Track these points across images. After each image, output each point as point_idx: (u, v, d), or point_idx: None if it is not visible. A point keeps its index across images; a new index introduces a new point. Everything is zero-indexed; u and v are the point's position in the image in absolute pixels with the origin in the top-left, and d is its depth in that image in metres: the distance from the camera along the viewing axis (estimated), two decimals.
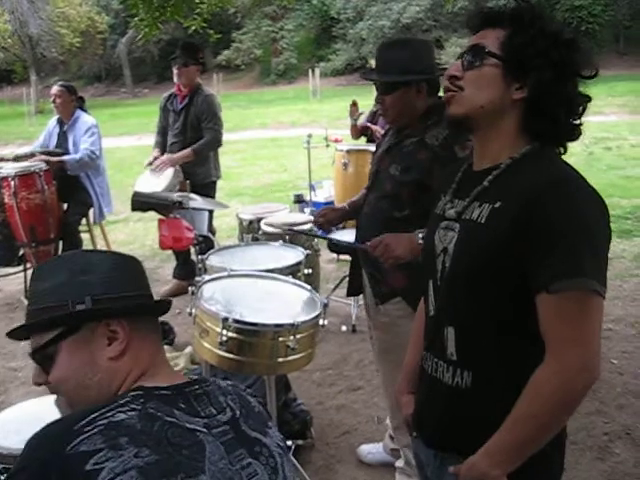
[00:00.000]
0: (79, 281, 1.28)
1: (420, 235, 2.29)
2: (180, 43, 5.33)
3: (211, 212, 5.21)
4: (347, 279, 4.90)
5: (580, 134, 1.52)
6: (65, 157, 5.40)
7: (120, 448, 1.08)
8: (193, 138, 5.19)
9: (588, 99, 1.50)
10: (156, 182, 4.92)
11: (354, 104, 5.63)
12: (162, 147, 5.42)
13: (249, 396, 1.37)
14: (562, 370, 1.35)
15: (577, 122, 1.51)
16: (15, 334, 1.32)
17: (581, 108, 1.50)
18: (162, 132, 5.46)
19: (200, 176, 5.16)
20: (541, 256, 1.36)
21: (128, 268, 1.36)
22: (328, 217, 2.93)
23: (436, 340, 1.58)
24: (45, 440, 1.13)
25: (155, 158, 5.24)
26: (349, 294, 3.02)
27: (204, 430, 1.19)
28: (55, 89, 5.57)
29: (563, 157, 1.54)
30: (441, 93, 2.59)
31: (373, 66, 2.68)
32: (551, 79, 1.44)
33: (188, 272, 5.46)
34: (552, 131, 1.49)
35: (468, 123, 1.54)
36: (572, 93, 1.47)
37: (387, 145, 2.73)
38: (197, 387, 1.27)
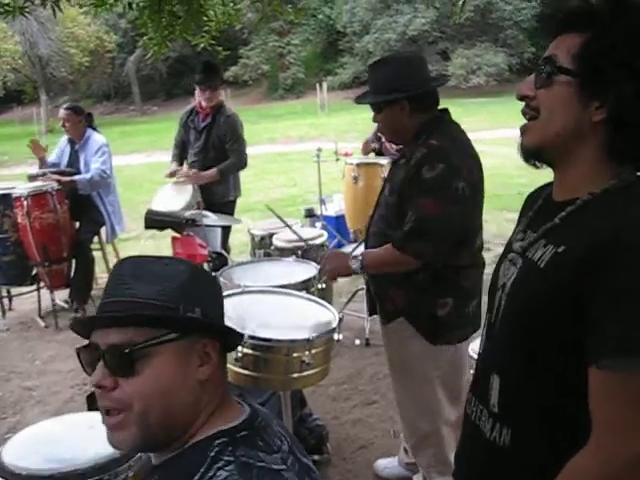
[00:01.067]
0: (191, 288, 1.21)
1: (355, 257, 2.57)
2: (204, 64, 5.27)
3: (227, 229, 5.22)
4: (359, 293, 4.94)
5: None
6: (76, 177, 5.44)
7: None
8: (214, 157, 5.19)
9: None
10: (174, 201, 4.90)
11: (366, 142, 5.76)
12: (180, 160, 5.42)
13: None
14: (601, 465, 1.14)
15: None
16: (100, 320, 1.19)
17: None
18: (180, 146, 5.43)
19: (218, 195, 5.18)
20: (597, 321, 1.13)
21: (220, 291, 1.33)
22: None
23: (481, 385, 1.41)
24: None
25: (176, 170, 5.24)
26: (371, 313, 3.02)
27: (284, 467, 1.17)
28: (62, 113, 5.62)
29: None
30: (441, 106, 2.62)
31: None
32: (634, 95, 1.18)
33: None
34: None
35: (543, 154, 1.32)
36: None
37: (391, 165, 2.81)
38: (260, 419, 1.23)
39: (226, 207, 5.14)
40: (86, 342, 1.21)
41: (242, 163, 5.29)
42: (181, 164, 5.38)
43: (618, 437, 1.13)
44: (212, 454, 1.12)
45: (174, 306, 1.17)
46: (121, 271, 1.23)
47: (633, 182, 1.25)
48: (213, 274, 3.06)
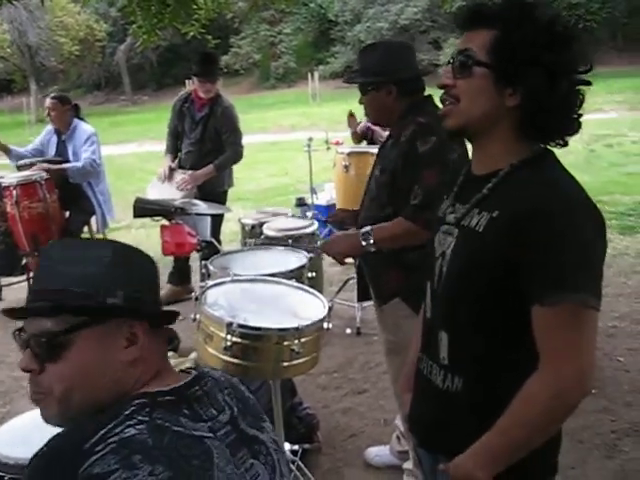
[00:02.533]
0: (112, 272, 1.21)
1: (362, 230, 2.53)
2: (203, 55, 5.24)
3: (219, 219, 5.19)
4: (350, 282, 4.94)
5: (580, 126, 1.48)
6: (67, 165, 5.40)
7: (134, 467, 1.06)
8: (210, 149, 5.16)
9: (588, 84, 1.46)
10: (172, 191, 4.85)
11: (351, 115, 5.70)
12: (174, 150, 5.35)
13: (241, 385, 1.37)
14: (556, 381, 1.35)
15: (576, 115, 1.47)
16: (22, 311, 1.24)
17: (579, 100, 1.46)
18: (175, 134, 5.35)
19: (213, 186, 5.16)
20: (535, 269, 1.36)
21: (154, 271, 1.33)
22: (339, 216, 3.06)
23: (431, 343, 1.60)
24: (55, 462, 1.08)
25: (170, 168, 5.15)
26: (359, 299, 3.06)
27: (210, 435, 1.18)
28: (48, 102, 5.57)
29: (565, 156, 1.51)
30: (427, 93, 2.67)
31: None
32: (544, 83, 1.39)
33: (183, 278, 5.46)
34: (550, 131, 1.48)
35: (466, 134, 1.55)
36: (568, 91, 1.42)
37: (378, 149, 2.85)
38: (197, 388, 1.24)
39: (219, 197, 5.14)
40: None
41: (238, 156, 5.28)
42: (175, 156, 5.32)
43: (563, 357, 1.35)
44: (127, 412, 1.13)
45: (93, 291, 1.19)
46: (46, 256, 1.26)
47: (542, 154, 1.49)
48: (203, 262, 3.05)
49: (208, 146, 5.16)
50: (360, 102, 2.74)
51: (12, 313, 1.24)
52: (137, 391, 1.21)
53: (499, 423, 1.40)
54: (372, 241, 2.52)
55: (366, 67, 2.66)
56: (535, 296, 1.36)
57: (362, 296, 3.01)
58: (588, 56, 1.47)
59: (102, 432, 1.09)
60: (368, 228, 2.55)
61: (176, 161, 5.29)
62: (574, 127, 1.48)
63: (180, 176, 5.06)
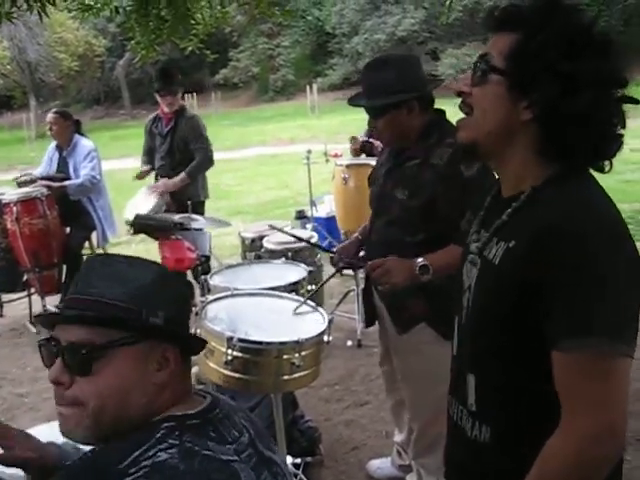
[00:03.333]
0: (155, 291, 1.21)
1: (419, 263, 2.29)
2: (160, 72, 5.42)
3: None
4: (351, 294, 4.94)
5: (620, 148, 1.31)
6: (67, 182, 5.43)
7: None
8: (180, 160, 5.25)
9: (631, 101, 1.29)
10: (142, 205, 4.92)
11: (353, 138, 5.75)
12: (151, 163, 5.48)
13: (243, 409, 1.38)
14: (572, 441, 1.18)
15: (611, 135, 1.29)
16: (66, 317, 1.20)
17: (614, 117, 1.28)
18: (148, 153, 5.51)
19: (189, 195, 5.10)
20: (550, 308, 1.19)
21: (190, 293, 1.34)
22: (346, 253, 2.83)
23: (459, 386, 1.44)
24: (90, 478, 1.09)
25: (146, 171, 5.34)
26: (367, 325, 2.96)
27: (236, 458, 1.18)
28: (50, 117, 5.61)
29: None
30: (441, 107, 2.56)
31: None
32: (559, 96, 1.22)
33: None
34: (570, 152, 1.28)
35: (479, 150, 1.37)
36: (589, 106, 1.22)
37: (387, 167, 2.65)
38: (218, 411, 1.24)
39: (197, 207, 5.15)
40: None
41: (208, 161, 5.36)
42: (153, 168, 5.45)
43: (585, 412, 1.18)
44: (158, 435, 1.13)
45: (137, 309, 1.18)
46: (89, 269, 1.25)
47: (571, 171, 1.29)
48: (203, 277, 3.06)
49: (177, 157, 5.26)
50: (370, 125, 2.62)
51: (47, 318, 1.24)
52: (163, 413, 1.20)
53: None
54: (431, 272, 2.30)
55: (383, 86, 2.45)
56: (553, 339, 1.19)
57: (368, 322, 2.87)
58: (624, 68, 1.28)
59: (136, 454, 1.09)
60: (423, 260, 2.30)
61: (149, 166, 5.45)
62: (608, 148, 1.30)
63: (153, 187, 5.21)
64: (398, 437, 3.09)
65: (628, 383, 1.21)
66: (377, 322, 2.85)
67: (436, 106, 2.59)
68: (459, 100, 1.40)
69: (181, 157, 5.25)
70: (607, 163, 1.34)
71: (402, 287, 2.35)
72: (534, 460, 1.24)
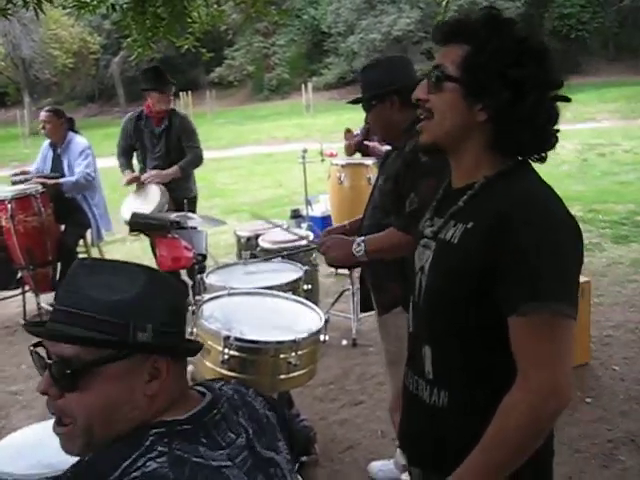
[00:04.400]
0: (144, 302, 1.18)
1: (356, 241, 2.51)
2: (154, 70, 5.32)
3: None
4: (346, 293, 4.95)
5: (556, 142, 1.49)
6: (62, 179, 5.41)
7: None
8: (175, 159, 5.21)
9: (563, 99, 1.48)
10: (145, 205, 4.87)
11: (348, 131, 5.77)
12: (130, 168, 5.38)
13: (255, 398, 1.35)
14: (530, 395, 1.33)
15: (551, 130, 1.47)
16: (50, 334, 1.17)
17: (553, 115, 1.46)
18: (127, 153, 5.40)
19: (183, 191, 5.17)
20: (509, 279, 1.35)
21: (183, 301, 1.31)
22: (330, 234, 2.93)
23: (415, 358, 1.59)
24: None
25: (136, 177, 5.17)
26: (361, 310, 3.08)
27: (228, 464, 1.16)
28: (43, 115, 5.58)
29: (559, 165, 1.49)
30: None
31: None
32: (509, 99, 1.40)
33: None
34: (523, 146, 1.48)
35: (439, 148, 1.55)
36: (535, 107, 1.41)
37: (381, 160, 2.85)
38: (215, 412, 1.22)
39: (191, 204, 5.15)
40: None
41: (199, 159, 5.34)
42: (133, 171, 5.34)
43: (539, 372, 1.33)
44: (147, 443, 1.11)
45: (125, 322, 1.15)
46: (75, 277, 1.21)
47: (517, 166, 1.49)
48: (199, 276, 3.06)
49: (173, 157, 5.22)
50: (366, 121, 2.77)
51: (35, 330, 1.20)
52: (154, 419, 1.18)
53: (482, 441, 1.37)
54: (364, 252, 2.51)
55: (367, 83, 2.71)
56: (511, 306, 1.35)
57: (363, 307, 3.00)
58: (559, 72, 1.48)
59: (125, 464, 1.07)
60: (362, 238, 2.53)
61: (136, 174, 5.30)
62: (549, 142, 1.48)
63: (152, 189, 5.08)
64: None
65: (573, 343, 1.38)
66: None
67: None
68: None
69: (176, 156, 5.22)
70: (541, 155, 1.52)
71: (343, 263, 2.69)
72: (487, 421, 1.37)
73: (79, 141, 5.58)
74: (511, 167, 1.48)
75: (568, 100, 1.48)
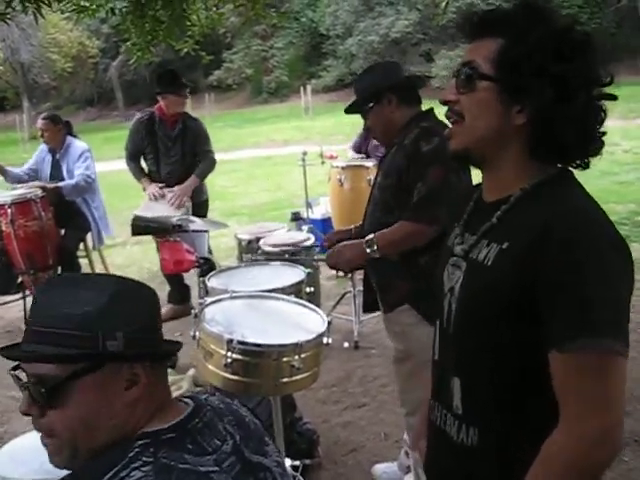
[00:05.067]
0: (111, 312, 1.17)
1: (367, 240, 2.54)
2: (171, 73, 5.27)
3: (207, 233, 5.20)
4: (347, 295, 4.94)
5: (602, 146, 1.32)
6: (61, 183, 5.40)
7: None
8: (190, 163, 5.19)
9: (611, 97, 1.30)
10: (168, 209, 4.81)
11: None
12: (143, 172, 5.32)
13: (240, 407, 1.35)
14: (576, 442, 1.17)
15: (598, 133, 1.31)
16: (21, 356, 1.19)
17: (600, 115, 1.29)
18: (136, 156, 5.32)
19: (196, 195, 5.19)
20: (549, 308, 1.19)
21: (154, 303, 1.29)
22: (334, 239, 2.98)
23: (442, 389, 1.43)
24: None
25: (160, 189, 5.06)
26: (364, 310, 3.08)
27: (216, 469, 1.16)
28: (40, 123, 5.56)
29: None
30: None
31: None
32: (553, 99, 1.23)
33: (183, 296, 5.46)
34: (567, 152, 1.30)
35: (471, 156, 1.38)
36: (583, 107, 1.25)
37: (380, 160, 2.91)
38: (197, 420, 1.21)
39: (204, 207, 5.28)
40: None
41: (214, 164, 5.33)
42: (149, 177, 5.27)
43: (586, 412, 1.17)
44: (131, 454, 1.11)
45: (92, 335, 1.15)
46: (43, 294, 1.22)
47: (559, 175, 1.32)
48: (201, 279, 3.05)
49: (188, 161, 5.20)
50: (365, 128, 2.81)
51: (9, 353, 1.21)
52: (140, 428, 1.18)
53: None
54: (376, 248, 2.54)
55: (362, 88, 2.75)
56: (552, 340, 1.19)
57: (367, 307, 3.01)
58: (607, 66, 1.30)
59: (108, 476, 1.07)
60: (372, 235, 2.56)
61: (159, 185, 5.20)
62: (595, 146, 1.31)
63: (169, 194, 5.03)
64: (407, 436, 3.06)
65: (625, 382, 1.22)
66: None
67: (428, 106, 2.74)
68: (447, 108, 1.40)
69: (190, 160, 5.19)
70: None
71: (356, 263, 2.68)
72: (521, 464, 1.23)
73: (78, 145, 5.57)
74: (552, 176, 1.31)
75: (615, 98, 1.31)
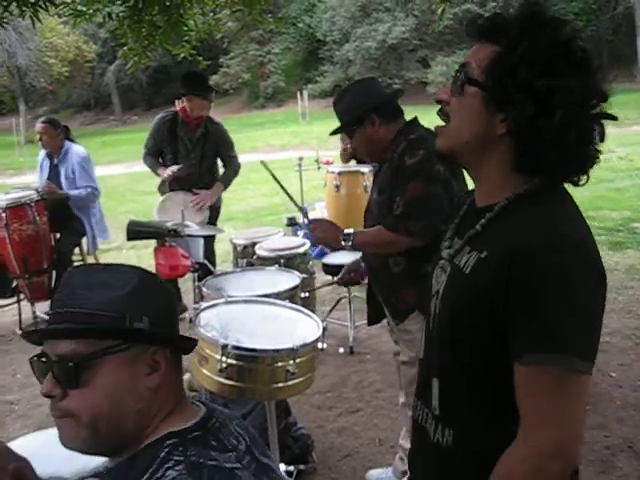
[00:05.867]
0: (138, 297, 1.22)
1: (347, 232, 2.62)
2: (198, 76, 5.21)
3: (211, 239, 5.17)
4: (342, 300, 4.94)
5: (592, 164, 1.29)
6: (71, 192, 5.41)
7: None
8: (207, 168, 5.18)
9: (607, 117, 1.28)
10: (190, 215, 4.56)
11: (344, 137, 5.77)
12: (159, 163, 5.22)
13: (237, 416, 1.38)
14: (532, 455, 1.18)
15: (585, 152, 1.27)
16: (50, 332, 1.21)
17: (588, 135, 1.26)
18: (156, 154, 5.22)
19: (217, 203, 5.23)
20: (518, 321, 1.19)
21: (173, 298, 1.34)
22: (346, 279, 3.25)
23: (424, 389, 1.45)
24: None
25: (172, 177, 4.96)
26: (369, 323, 3.06)
27: (238, 465, 1.19)
28: (39, 127, 5.55)
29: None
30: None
31: None
32: (533, 114, 1.21)
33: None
34: (548, 166, 1.26)
35: (455, 158, 1.38)
36: (562, 125, 1.21)
37: (375, 174, 2.92)
38: (214, 420, 1.25)
39: (217, 212, 5.29)
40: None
41: (239, 169, 5.33)
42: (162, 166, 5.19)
43: (541, 425, 1.18)
44: (162, 454, 1.13)
45: (120, 316, 1.19)
46: (70, 281, 1.25)
47: (545, 188, 1.29)
48: (197, 284, 3.05)
49: (205, 165, 5.17)
50: (353, 150, 2.84)
51: (34, 335, 1.23)
52: (161, 420, 1.22)
53: None
54: (351, 243, 2.63)
55: (343, 111, 2.75)
56: (516, 352, 1.20)
57: (372, 319, 3.01)
58: (603, 85, 1.27)
59: (144, 478, 1.09)
60: (351, 230, 2.64)
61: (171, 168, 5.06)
62: (582, 164, 1.29)
63: (189, 198, 4.95)
64: (403, 440, 3.06)
65: (586, 400, 1.23)
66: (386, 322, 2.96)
67: (428, 115, 2.70)
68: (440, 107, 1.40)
69: (208, 165, 5.18)
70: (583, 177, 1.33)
71: (328, 243, 2.82)
72: (494, 467, 1.24)
73: (76, 150, 5.57)
74: (537, 188, 1.29)
75: (614, 119, 1.29)
